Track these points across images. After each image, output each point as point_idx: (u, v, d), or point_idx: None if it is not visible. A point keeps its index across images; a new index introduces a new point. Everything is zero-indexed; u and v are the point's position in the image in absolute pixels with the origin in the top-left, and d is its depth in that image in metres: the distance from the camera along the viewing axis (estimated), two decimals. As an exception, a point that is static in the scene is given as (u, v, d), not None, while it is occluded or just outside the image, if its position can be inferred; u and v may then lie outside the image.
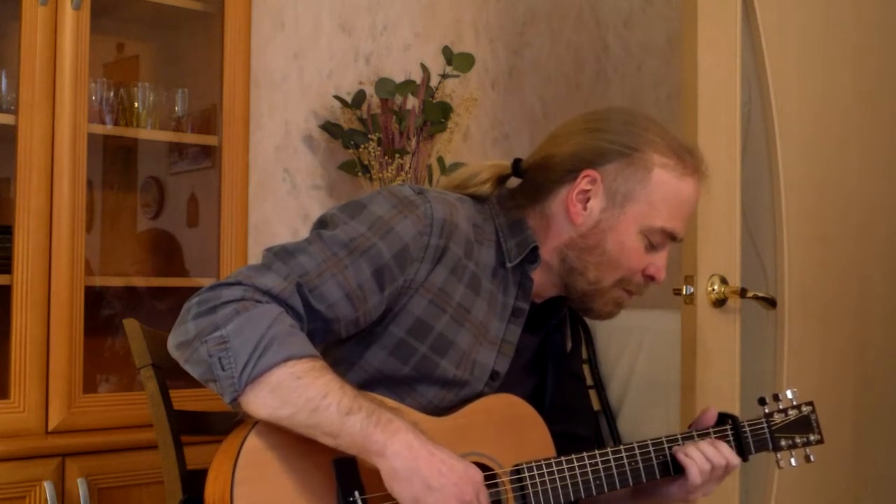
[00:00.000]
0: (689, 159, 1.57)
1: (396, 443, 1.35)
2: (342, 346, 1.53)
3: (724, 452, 1.62)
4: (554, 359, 1.69)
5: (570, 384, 1.72)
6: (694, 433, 1.66)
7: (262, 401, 1.34)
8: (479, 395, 1.57)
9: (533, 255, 1.58)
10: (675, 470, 1.62)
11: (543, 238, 1.59)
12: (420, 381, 1.52)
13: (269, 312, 1.36)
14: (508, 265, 1.57)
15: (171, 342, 1.40)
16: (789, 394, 1.74)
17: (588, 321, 3.14)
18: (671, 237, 1.58)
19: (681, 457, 1.60)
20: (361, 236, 1.46)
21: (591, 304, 1.61)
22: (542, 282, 1.62)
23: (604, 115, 1.63)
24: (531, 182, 1.62)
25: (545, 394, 1.67)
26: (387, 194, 1.52)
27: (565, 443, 1.62)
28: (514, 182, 1.67)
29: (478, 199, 1.62)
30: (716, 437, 1.66)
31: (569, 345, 1.73)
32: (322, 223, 1.51)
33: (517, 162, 1.65)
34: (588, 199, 1.56)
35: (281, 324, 1.36)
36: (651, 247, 1.57)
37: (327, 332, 1.46)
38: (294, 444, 1.37)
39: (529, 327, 1.64)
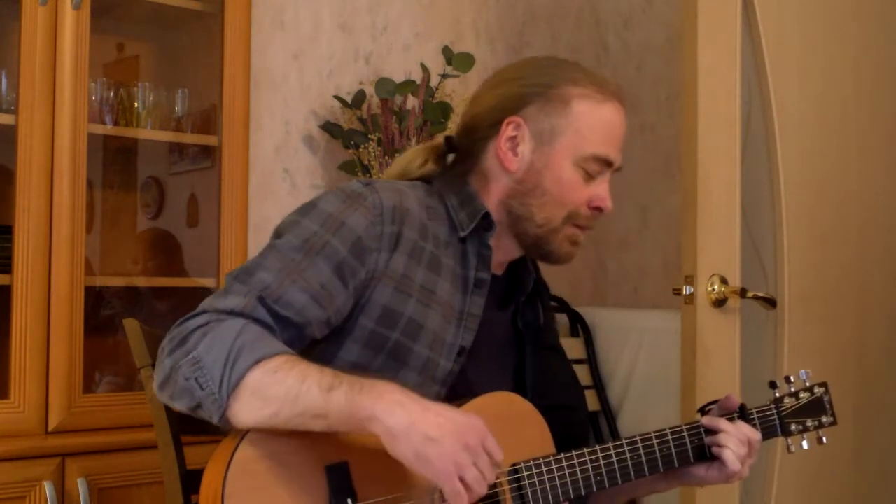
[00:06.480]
0: (607, 86, 1.60)
1: (385, 402, 1.32)
2: (316, 347, 1.52)
3: (745, 431, 1.62)
4: (529, 334, 1.70)
5: (550, 356, 1.73)
6: (691, 426, 1.65)
7: (246, 407, 1.34)
8: (450, 373, 1.57)
9: (487, 223, 1.59)
10: (680, 461, 1.62)
11: (486, 197, 1.61)
12: (397, 369, 1.52)
13: (234, 325, 1.38)
14: (462, 235, 1.59)
15: (155, 385, 1.42)
16: (803, 374, 1.71)
17: (588, 322, 3.20)
18: (606, 163, 1.60)
19: (715, 449, 1.61)
20: (315, 235, 1.49)
21: (547, 247, 1.62)
22: (501, 245, 1.63)
23: (517, 65, 1.68)
24: (464, 149, 1.65)
25: (525, 370, 1.68)
26: (336, 191, 1.56)
27: (555, 415, 1.61)
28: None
29: (427, 181, 1.65)
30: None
31: (542, 318, 1.73)
32: (277, 233, 1.53)
33: (448, 138, 1.69)
34: (517, 145, 1.59)
35: (248, 332, 1.37)
36: (589, 176, 1.59)
37: (303, 338, 1.47)
38: (286, 452, 1.37)
39: (498, 303, 1.65)
